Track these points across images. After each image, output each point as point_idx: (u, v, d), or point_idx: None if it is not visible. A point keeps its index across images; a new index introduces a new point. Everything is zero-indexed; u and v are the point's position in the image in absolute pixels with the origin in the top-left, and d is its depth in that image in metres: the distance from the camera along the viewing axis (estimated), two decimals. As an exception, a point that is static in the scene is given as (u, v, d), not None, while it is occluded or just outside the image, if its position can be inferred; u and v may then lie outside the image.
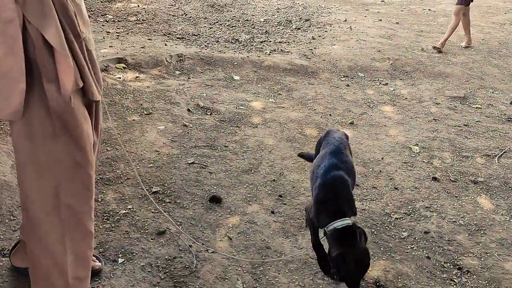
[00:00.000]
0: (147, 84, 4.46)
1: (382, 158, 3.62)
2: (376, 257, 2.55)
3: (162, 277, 2.25)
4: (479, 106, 4.77)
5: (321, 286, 2.30)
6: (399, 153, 3.71)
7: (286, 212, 2.87)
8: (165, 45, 5.52)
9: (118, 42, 5.29)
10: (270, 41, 6.23)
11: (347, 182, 2.25)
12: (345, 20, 7.43)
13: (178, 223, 2.65)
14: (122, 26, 6.08)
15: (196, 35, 6.20)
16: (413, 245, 2.68)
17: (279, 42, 6.21)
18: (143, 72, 4.72)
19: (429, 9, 8.62)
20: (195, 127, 3.78)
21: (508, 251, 2.70)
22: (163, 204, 2.79)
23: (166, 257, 2.38)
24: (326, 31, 6.86)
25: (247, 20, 7.19)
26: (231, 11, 7.76)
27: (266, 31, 6.70)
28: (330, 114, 4.32)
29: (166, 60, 5.04)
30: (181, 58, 5.16)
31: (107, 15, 6.40)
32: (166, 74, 4.82)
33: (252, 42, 6.15)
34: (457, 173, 3.47)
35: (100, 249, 2.37)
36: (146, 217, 2.66)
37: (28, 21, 1.52)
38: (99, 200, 2.75)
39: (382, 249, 2.62)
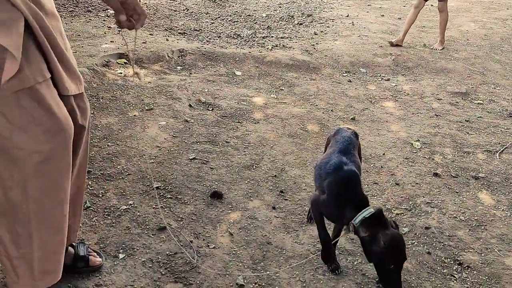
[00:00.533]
0: (148, 80, 4.46)
1: (384, 154, 3.62)
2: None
3: (163, 272, 2.26)
4: (481, 101, 4.75)
5: (321, 282, 2.31)
6: (400, 149, 3.71)
7: (287, 208, 2.88)
8: (167, 40, 5.51)
9: (119, 38, 5.28)
10: (272, 37, 6.22)
11: (359, 177, 2.25)
12: (347, 16, 7.40)
13: (179, 219, 2.66)
14: (124, 21, 6.07)
15: (197, 30, 6.19)
16: (413, 241, 2.68)
17: (281, 38, 6.20)
18: (144, 68, 4.72)
19: (431, 5, 8.59)
20: (196, 123, 3.78)
21: (509, 246, 2.70)
22: (164, 200, 2.80)
23: (167, 252, 2.39)
24: (328, 27, 6.84)
25: (249, 15, 7.18)
26: (233, 6, 7.74)
27: (268, 26, 6.68)
28: (331, 110, 4.32)
29: (168, 56, 5.03)
30: (182, 54, 5.16)
31: (109, 10, 6.39)
32: (168, 70, 4.82)
33: (254, 37, 6.14)
34: (458, 169, 3.47)
35: (101, 245, 2.38)
36: (147, 212, 2.67)
37: None
38: (100, 195, 2.76)
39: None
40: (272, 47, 5.74)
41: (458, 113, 4.46)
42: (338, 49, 5.79)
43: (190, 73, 4.82)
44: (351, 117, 4.20)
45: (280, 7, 7.82)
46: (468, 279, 2.43)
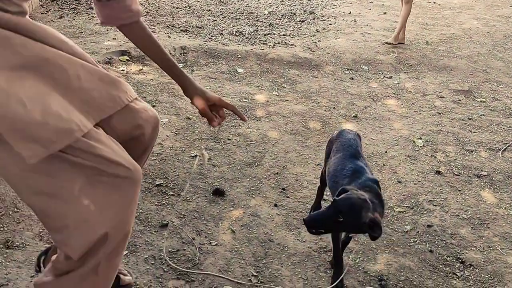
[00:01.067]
0: (150, 77, 4.46)
1: (386, 152, 3.61)
2: (379, 251, 2.55)
3: (165, 269, 2.26)
4: (484, 99, 4.74)
5: (323, 279, 2.31)
6: (402, 147, 3.70)
7: (289, 205, 2.87)
8: (169, 37, 5.51)
9: (121, 35, 5.27)
10: (274, 34, 6.21)
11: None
12: (350, 13, 7.38)
13: (181, 216, 2.66)
14: (126, 18, 6.07)
15: (199, 28, 6.19)
16: (416, 239, 2.68)
17: (283, 35, 6.19)
18: (146, 65, 4.71)
19: (434, 2, 8.56)
20: (198, 120, 3.78)
21: (511, 245, 2.69)
22: (166, 197, 2.80)
23: (170, 249, 2.39)
24: (330, 24, 6.83)
25: (251, 13, 7.17)
26: (235, 3, 7.73)
27: (270, 23, 6.67)
28: (334, 107, 4.31)
29: (170, 53, 5.03)
30: (184, 51, 5.15)
31: (111, 7, 6.39)
32: (170, 67, 4.82)
33: (256, 34, 6.13)
34: (461, 167, 3.46)
35: (104, 241, 2.38)
36: (149, 209, 2.67)
37: None
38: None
39: (385, 242, 2.62)
40: (274, 45, 5.73)
41: (461, 111, 4.45)
42: (340, 47, 5.77)
43: (192, 70, 4.81)
44: (353, 114, 4.20)
45: (282, 4, 7.81)
46: (470, 277, 2.43)
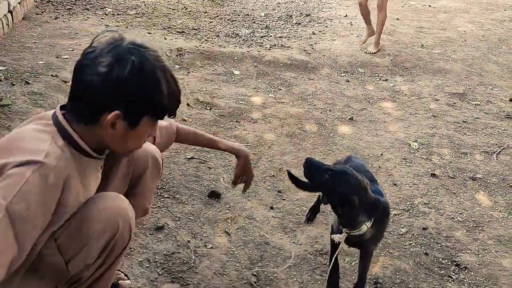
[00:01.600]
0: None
1: (381, 154, 3.62)
2: (374, 253, 2.55)
3: (160, 272, 2.25)
4: (478, 102, 4.76)
5: (319, 282, 2.31)
6: (398, 149, 3.71)
7: (285, 208, 2.87)
8: (165, 39, 5.50)
9: (117, 36, 5.25)
10: (271, 36, 6.21)
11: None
12: (346, 16, 7.40)
13: (177, 219, 2.65)
14: (122, 19, 6.06)
15: (196, 29, 6.18)
16: (411, 241, 2.68)
17: (280, 37, 6.20)
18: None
19: (429, 5, 8.60)
20: (194, 122, 3.78)
21: (506, 247, 2.70)
22: (162, 199, 2.79)
23: (164, 252, 2.38)
24: (326, 26, 6.84)
25: (248, 15, 7.17)
26: (231, 5, 7.73)
27: (266, 25, 6.68)
28: (330, 110, 4.32)
29: (166, 54, 5.02)
30: (180, 52, 5.15)
31: (107, 8, 6.37)
32: (166, 69, 4.81)
33: (252, 36, 6.13)
34: (456, 170, 3.47)
35: (99, 244, 2.37)
36: (145, 212, 2.66)
37: None
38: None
39: (380, 245, 2.62)
40: (271, 47, 5.73)
41: (456, 114, 4.46)
42: (336, 49, 5.78)
43: (188, 72, 4.81)
44: (349, 117, 4.20)
45: (278, 6, 7.81)
46: (465, 280, 2.44)
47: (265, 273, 2.35)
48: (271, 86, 4.73)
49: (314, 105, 4.40)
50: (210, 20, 6.72)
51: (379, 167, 3.44)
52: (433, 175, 3.37)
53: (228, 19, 6.86)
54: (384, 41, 6.25)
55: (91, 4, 6.48)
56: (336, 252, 2.18)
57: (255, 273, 2.34)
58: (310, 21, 7.07)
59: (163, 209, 2.71)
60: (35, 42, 4.54)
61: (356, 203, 1.91)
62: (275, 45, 5.81)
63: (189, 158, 3.26)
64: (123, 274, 2.12)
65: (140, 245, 2.40)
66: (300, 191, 3.05)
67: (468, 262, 2.56)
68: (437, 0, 8.89)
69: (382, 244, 2.64)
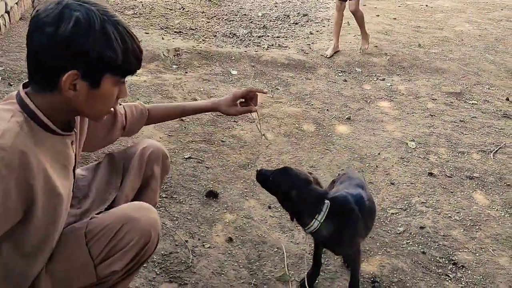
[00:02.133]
0: (144, 79, 4.45)
1: (379, 154, 3.63)
2: (371, 252, 2.56)
3: (157, 272, 2.26)
4: (475, 102, 4.78)
5: (316, 281, 2.31)
6: (395, 149, 3.72)
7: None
8: (162, 39, 5.50)
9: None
10: (268, 36, 6.22)
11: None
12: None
13: (174, 218, 2.66)
14: (119, 19, 6.06)
15: (193, 29, 6.18)
16: (408, 240, 2.69)
17: (277, 37, 6.21)
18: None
19: (426, 5, 8.62)
20: (192, 122, 3.78)
21: (503, 246, 2.71)
22: (159, 199, 2.79)
23: (162, 252, 2.38)
24: (324, 26, 6.85)
25: (245, 15, 7.18)
26: (229, 5, 7.74)
27: (264, 25, 6.68)
28: (327, 109, 4.33)
29: (163, 54, 5.02)
30: (178, 52, 5.15)
31: (104, 9, 6.37)
32: (163, 68, 4.81)
33: (250, 36, 6.14)
34: (453, 169, 3.48)
35: (97, 244, 2.37)
36: (142, 211, 2.66)
37: None
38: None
39: (378, 244, 2.63)
40: (268, 47, 5.74)
41: (453, 113, 4.48)
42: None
43: (186, 72, 4.81)
44: (346, 116, 4.21)
45: (276, 6, 7.82)
46: (462, 279, 2.45)
47: (263, 272, 2.35)
48: (269, 86, 4.74)
49: (312, 104, 4.41)
50: (208, 20, 6.72)
51: (377, 166, 3.45)
52: (431, 174, 3.38)
53: (225, 19, 6.87)
54: (381, 40, 6.26)
55: (88, 4, 6.48)
56: (318, 251, 2.24)
57: (252, 273, 2.34)
58: (307, 21, 7.08)
59: (160, 208, 2.71)
60: (32, 43, 4.53)
61: (294, 196, 1.96)
62: (272, 45, 5.82)
63: (186, 158, 3.26)
64: None
65: (138, 245, 2.40)
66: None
67: (465, 261, 2.56)
68: (434, 0, 8.92)
69: (380, 243, 2.64)
